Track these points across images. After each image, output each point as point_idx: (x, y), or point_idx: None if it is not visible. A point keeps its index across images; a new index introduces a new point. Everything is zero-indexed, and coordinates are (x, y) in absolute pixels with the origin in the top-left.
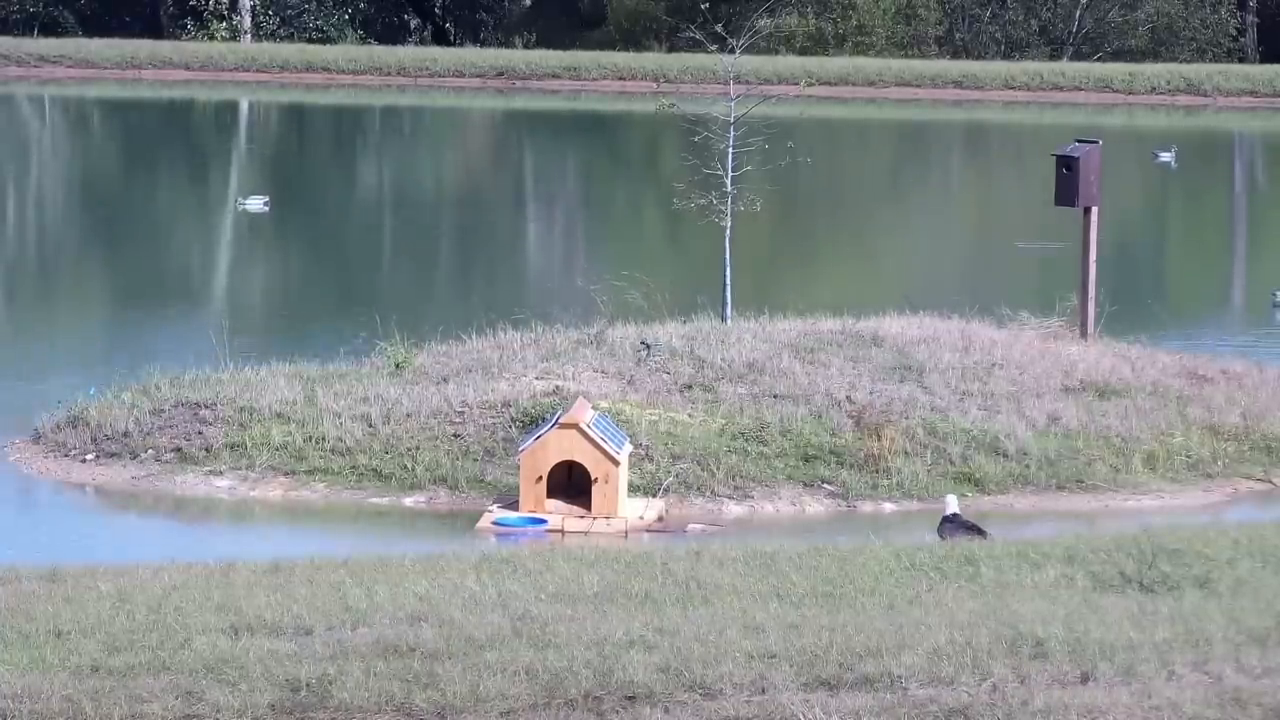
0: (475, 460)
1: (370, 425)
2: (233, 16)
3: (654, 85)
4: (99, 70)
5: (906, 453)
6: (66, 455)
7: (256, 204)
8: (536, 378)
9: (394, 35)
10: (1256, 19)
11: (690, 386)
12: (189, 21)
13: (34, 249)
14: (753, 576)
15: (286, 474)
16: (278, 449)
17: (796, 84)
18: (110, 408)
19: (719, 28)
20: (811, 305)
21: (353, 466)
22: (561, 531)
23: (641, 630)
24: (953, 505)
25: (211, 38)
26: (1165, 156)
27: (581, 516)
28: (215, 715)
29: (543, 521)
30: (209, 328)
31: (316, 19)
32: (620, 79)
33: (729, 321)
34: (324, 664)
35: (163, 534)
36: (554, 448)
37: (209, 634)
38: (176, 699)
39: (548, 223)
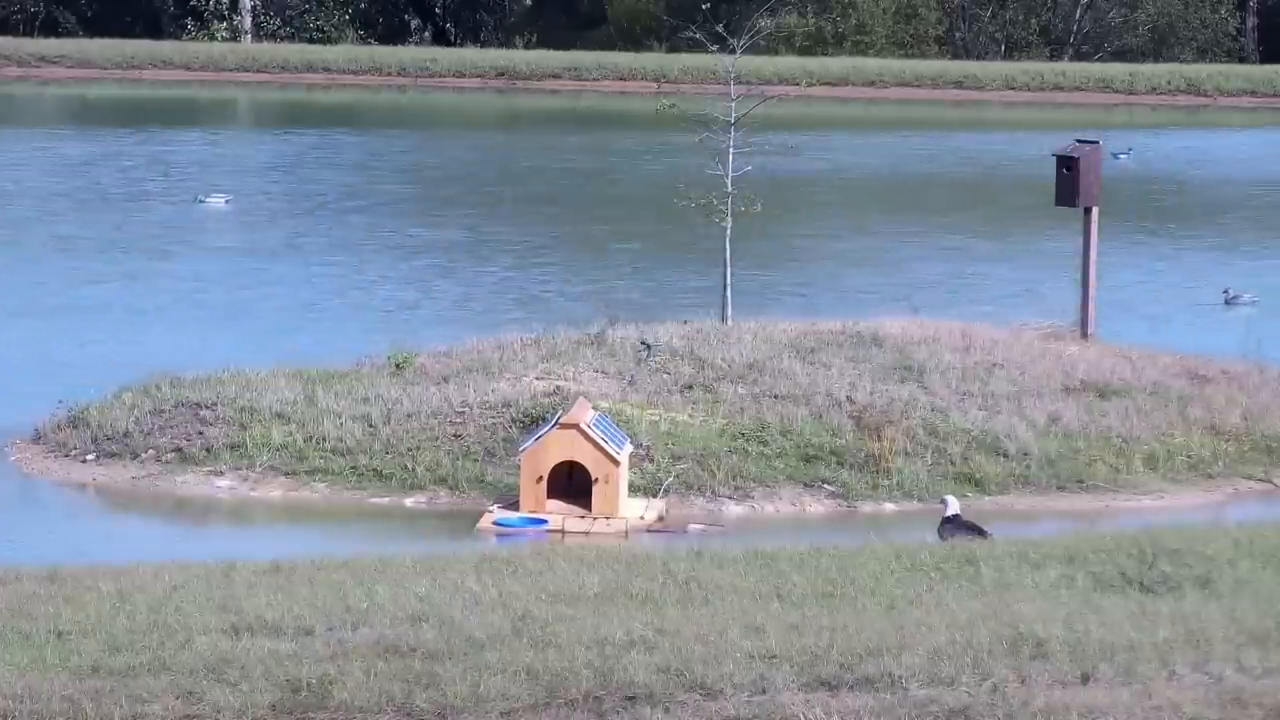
0: (476, 460)
1: (371, 425)
2: (233, 16)
3: (654, 85)
4: (99, 70)
5: (907, 453)
6: (67, 455)
7: (217, 201)
8: (537, 378)
9: (394, 35)
10: (1256, 19)
11: (691, 387)
12: (189, 21)
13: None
14: (753, 576)
15: (287, 474)
16: (278, 449)
17: (797, 84)
18: (111, 408)
19: (719, 28)
20: (812, 305)
21: (353, 467)
22: (562, 531)
23: (642, 630)
24: (953, 506)
25: (212, 38)
26: (1123, 157)
27: (582, 516)
28: (215, 715)
29: (543, 521)
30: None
31: (317, 19)
32: (620, 79)
33: (729, 321)
34: (324, 664)
35: (163, 534)
36: (554, 448)
37: (209, 634)
38: (177, 699)
39: (547, 222)
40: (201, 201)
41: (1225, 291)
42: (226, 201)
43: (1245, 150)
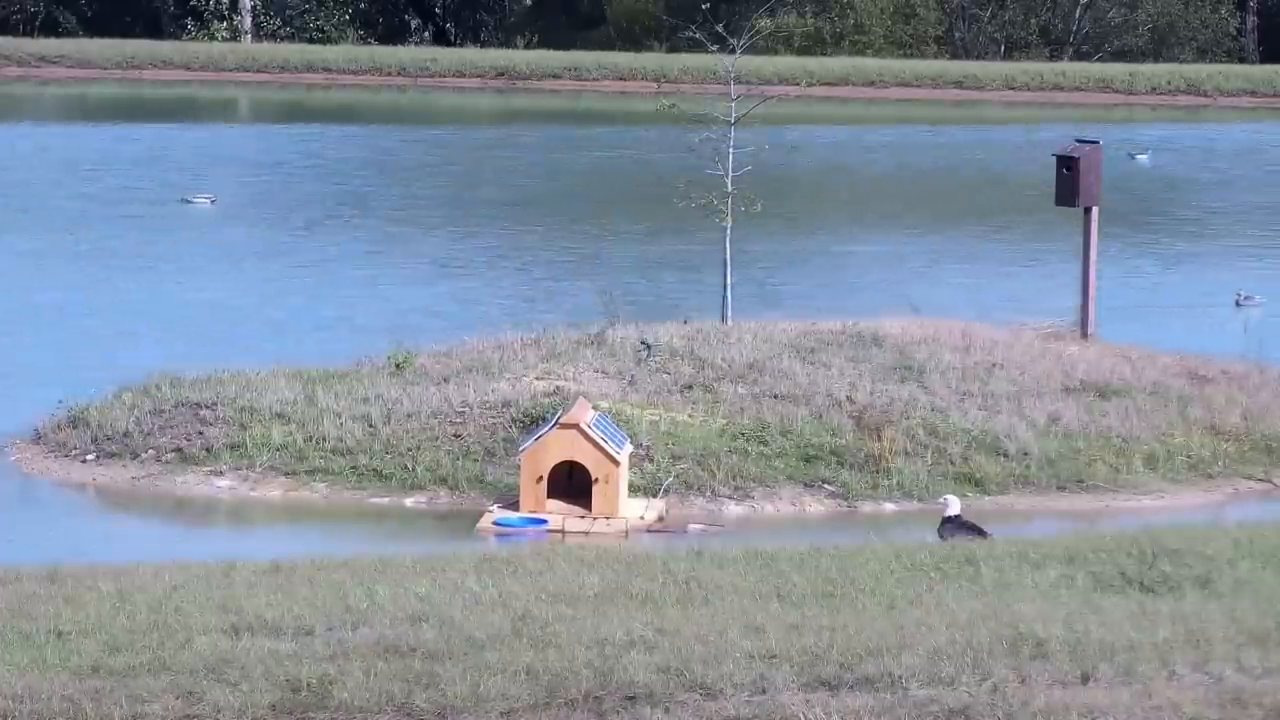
0: (476, 460)
1: (371, 425)
2: (233, 16)
3: (654, 85)
4: (99, 70)
5: (907, 453)
6: (67, 455)
7: (203, 201)
8: (537, 378)
9: (394, 35)
10: (1256, 19)
11: (690, 386)
12: (189, 21)
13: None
14: (753, 576)
15: (287, 474)
16: (278, 449)
17: (797, 84)
18: (111, 408)
19: (719, 28)
20: (812, 305)
21: (353, 467)
22: (562, 531)
23: (642, 630)
24: (954, 506)
25: (212, 38)
26: (1142, 158)
27: (582, 516)
28: (215, 715)
29: (543, 521)
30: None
31: (317, 19)
32: (620, 79)
33: (729, 321)
34: (324, 664)
35: (163, 534)
36: (554, 448)
37: (209, 634)
38: (177, 699)
39: (546, 222)
40: (188, 202)
41: (1238, 293)
42: (211, 202)
43: (1255, 150)
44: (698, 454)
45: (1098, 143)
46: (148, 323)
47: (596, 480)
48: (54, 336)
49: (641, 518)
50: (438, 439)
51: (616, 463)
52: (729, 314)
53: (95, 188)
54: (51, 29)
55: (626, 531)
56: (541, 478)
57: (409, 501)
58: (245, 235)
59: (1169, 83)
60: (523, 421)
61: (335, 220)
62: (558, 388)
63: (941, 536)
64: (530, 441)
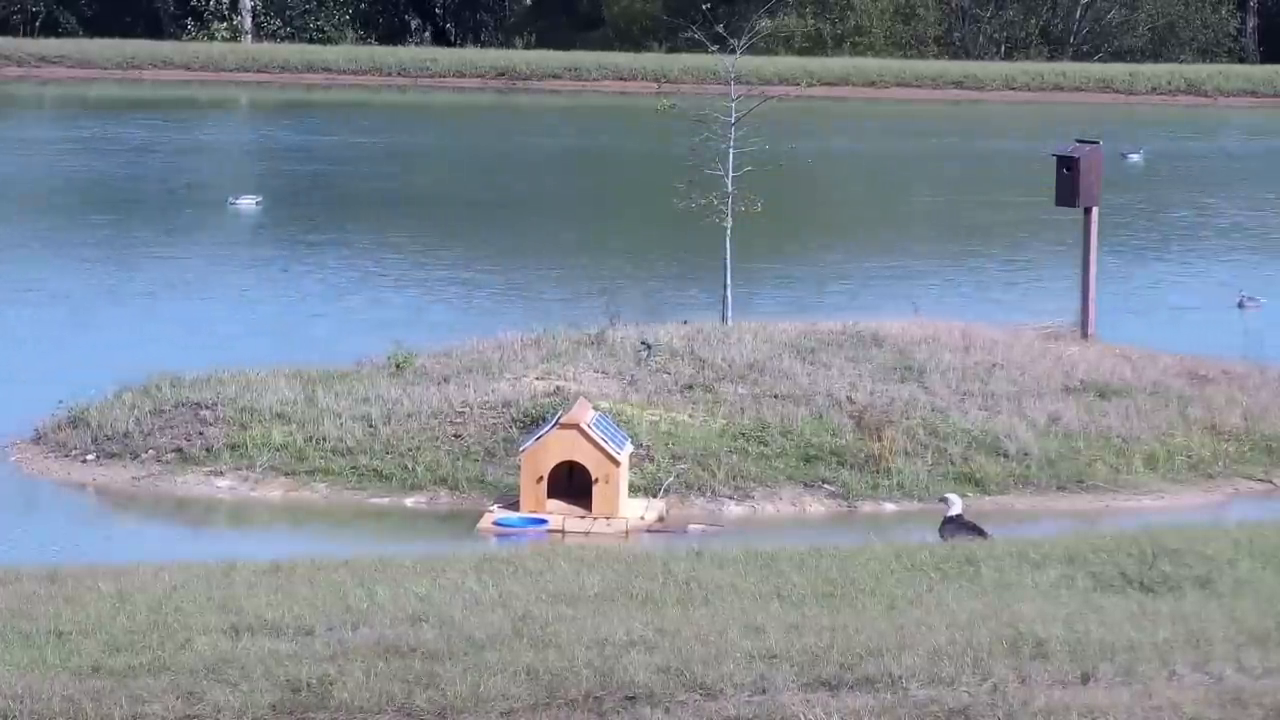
0: (476, 460)
1: (371, 425)
2: (233, 17)
3: (654, 85)
4: (99, 70)
5: (907, 453)
6: (67, 455)
7: (248, 203)
8: (537, 378)
9: (394, 35)
10: (1257, 19)
11: (691, 387)
12: (189, 21)
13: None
14: (753, 576)
15: (287, 474)
16: (278, 449)
17: (797, 84)
18: (111, 408)
19: (719, 28)
20: (812, 305)
21: (353, 467)
22: (562, 532)
23: (642, 630)
24: (956, 506)
25: (212, 38)
26: (1134, 157)
27: (582, 517)
28: (216, 716)
29: (543, 522)
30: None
31: (317, 19)
32: (620, 79)
33: (729, 321)
34: (325, 664)
35: (163, 534)
36: (555, 448)
37: (209, 634)
38: (177, 699)
39: (548, 223)
40: (233, 203)
41: (1241, 295)
42: (257, 203)
43: (1252, 149)
44: (698, 454)
45: (1098, 143)
46: (158, 324)
47: (597, 480)
48: (57, 337)
49: (642, 518)
50: (438, 439)
51: (617, 463)
52: (729, 314)
53: (138, 185)
54: (51, 29)
55: (627, 531)
56: (542, 478)
57: (409, 501)
58: (288, 238)
59: (1169, 83)
60: (523, 421)
61: (382, 221)
62: (558, 388)
63: (942, 536)
64: (530, 441)
